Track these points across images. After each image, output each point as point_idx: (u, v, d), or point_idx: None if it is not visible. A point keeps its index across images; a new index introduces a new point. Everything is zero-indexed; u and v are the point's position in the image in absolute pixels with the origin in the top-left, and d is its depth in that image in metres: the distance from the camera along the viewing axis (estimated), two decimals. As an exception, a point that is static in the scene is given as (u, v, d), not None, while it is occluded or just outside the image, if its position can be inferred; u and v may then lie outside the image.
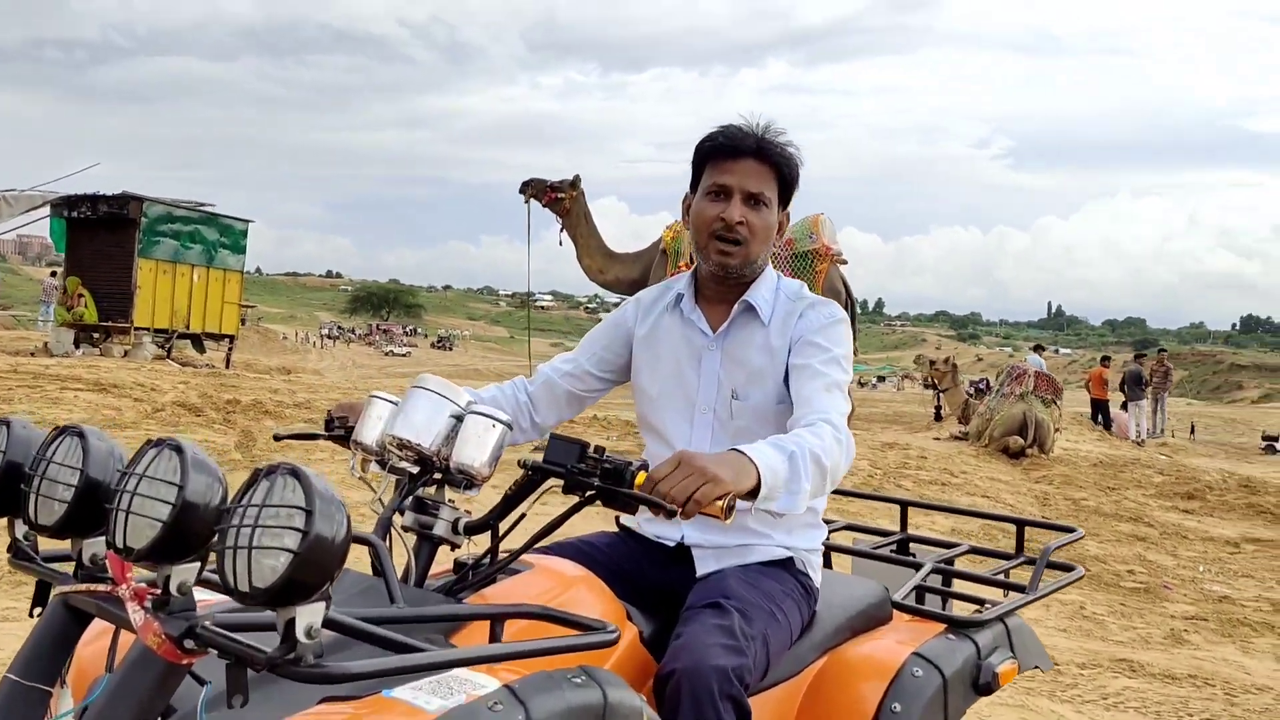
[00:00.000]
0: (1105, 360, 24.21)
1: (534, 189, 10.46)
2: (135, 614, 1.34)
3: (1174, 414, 29.77)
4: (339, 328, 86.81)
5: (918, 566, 2.45)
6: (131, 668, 1.30)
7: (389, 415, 1.79)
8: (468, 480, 1.69)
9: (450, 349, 77.94)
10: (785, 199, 2.19)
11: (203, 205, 21.30)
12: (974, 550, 2.75)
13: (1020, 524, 2.71)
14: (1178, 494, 13.18)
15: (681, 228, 10.22)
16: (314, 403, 12.45)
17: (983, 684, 2.09)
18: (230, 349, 21.45)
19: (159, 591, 1.35)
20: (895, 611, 2.30)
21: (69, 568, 1.62)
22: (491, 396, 2.25)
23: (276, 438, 2.13)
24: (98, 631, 1.57)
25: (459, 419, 1.71)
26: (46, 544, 1.65)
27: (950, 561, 2.55)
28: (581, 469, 1.62)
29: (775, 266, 8.20)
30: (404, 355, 65.08)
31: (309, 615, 1.19)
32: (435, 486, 1.74)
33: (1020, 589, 2.43)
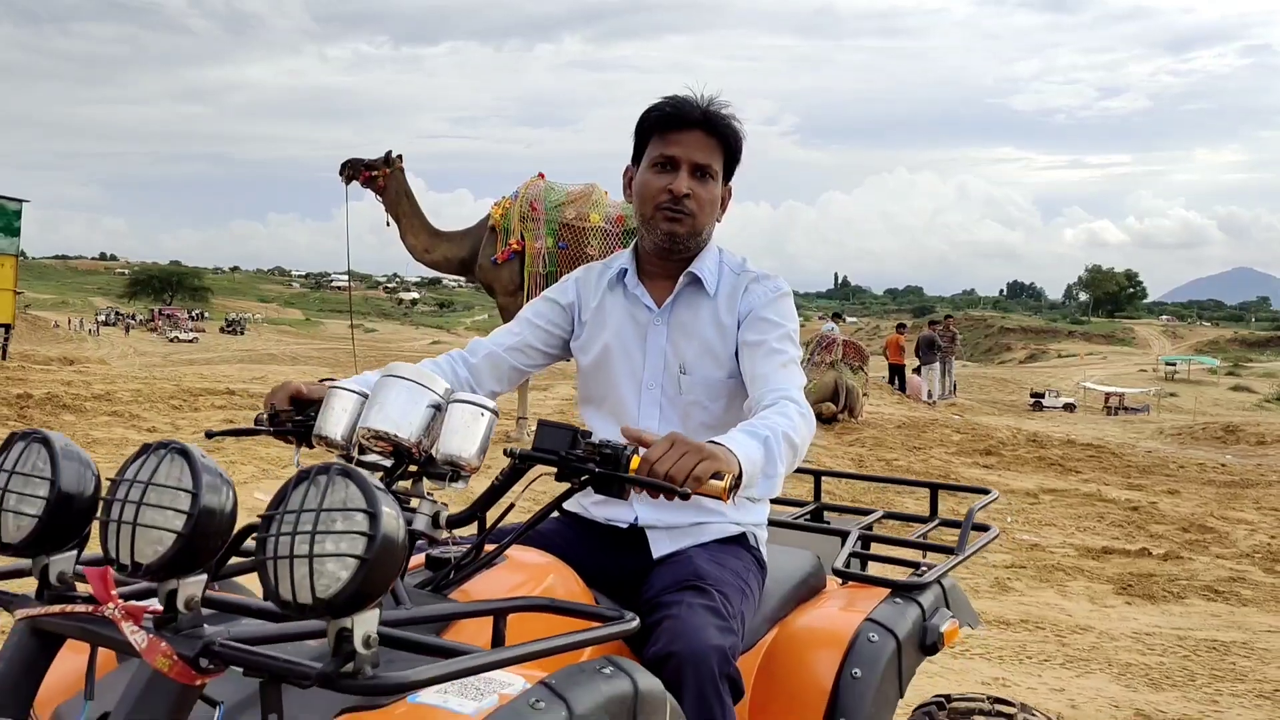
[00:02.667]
0: (900, 328, 25.49)
1: (350, 169, 10.15)
2: (135, 635, 1.22)
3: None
4: (117, 313, 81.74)
5: (841, 534, 2.51)
6: (141, 696, 1.19)
7: (355, 406, 1.69)
8: (454, 472, 1.61)
9: (241, 333, 74.68)
10: (729, 172, 2.17)
11: (-33, 184, 19.54)
12: (889, 515, 2.85)
13: (934, 487, 2.82)
14: (976, 450, 14.05)
15: (510, 205, 10.09)
16: (114, 394, 11.68)
17: (929, 644, 2.17)
18: (6, 339, 19.84)
19: (160, 609, 1.23)
20: (830, 579, 2.35)
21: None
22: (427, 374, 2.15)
23: (209, 435, 1.95)
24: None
25: (437, 408, 1.63)
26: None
27: (869, 527, 2.63)
28: (576, 455, 1.58)
29: (605, 243, 8.14)
30: (190, 341, 61.92)
31: (365, 624, 1.11)
32: (411, 480, 1.66)
33: (942, 550, 2.54)
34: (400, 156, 10.34)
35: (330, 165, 10.45)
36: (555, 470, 1.61)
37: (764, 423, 1.80)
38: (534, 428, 1.67)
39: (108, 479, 1.26)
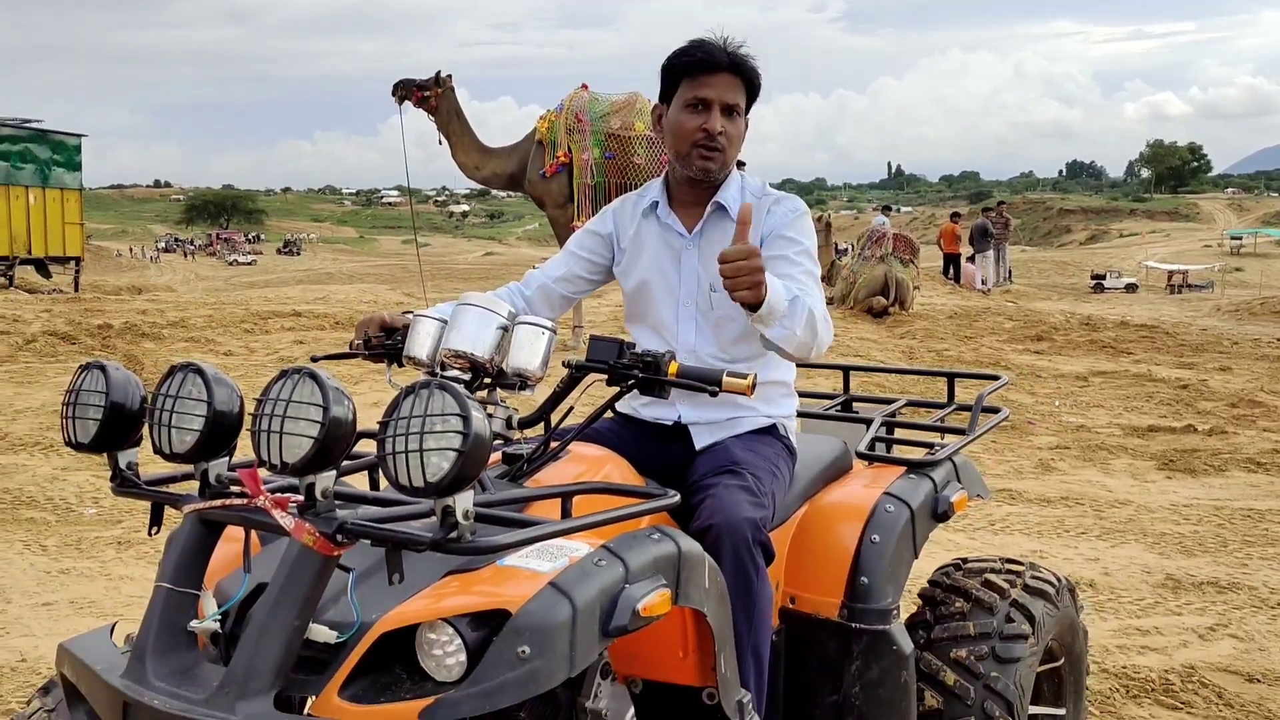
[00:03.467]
0: (955, 216, 25.30)
1: (403, 90, 10.46)
2: (284, 519, 1.57)
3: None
4: (176, 240, 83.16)
5: (867, 422, 2.81)
6: (293, 566, 1.53)
7: (437, 331, 2.02)
8: (522, 382, 1.94)
9: (297, 254, 75.67)
10: (750, 107, 2.42)
11: (29, 121, 20.11)
12: (911, 403, 3.14)
13: (950, 376, 3.10)
14: (1028, 337, 14.18)
15: (556, 118, 10.31)
16: (188, 321, 12.21)
17: (940, 513, 2.48)
18: (78, 272, 20.59)
19: (301, 498, 1.57)
20: (856, 461, 2.66)
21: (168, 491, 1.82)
22: (496, 301, 2.47)
23: (314, 360, 2.29)
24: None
25: (504, 329, 1.95)
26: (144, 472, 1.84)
27: (893, 415, 2.93)
28: (623, 364, 1.89)
29: (651, 151, 8.32)
30: (249, 264, 62.90)
31: (464, 501, 1.45)
32: (486, 390, 1.98)
33: (959, 432, 2.82)
34: (450, 76, 10.63)
35: (372, 79, 10.88)
36: (606, 377, 1.92)
37: (802, 290, 2.11)
38: (589, 336, 1.98)
39: (251, 399, 1.59)
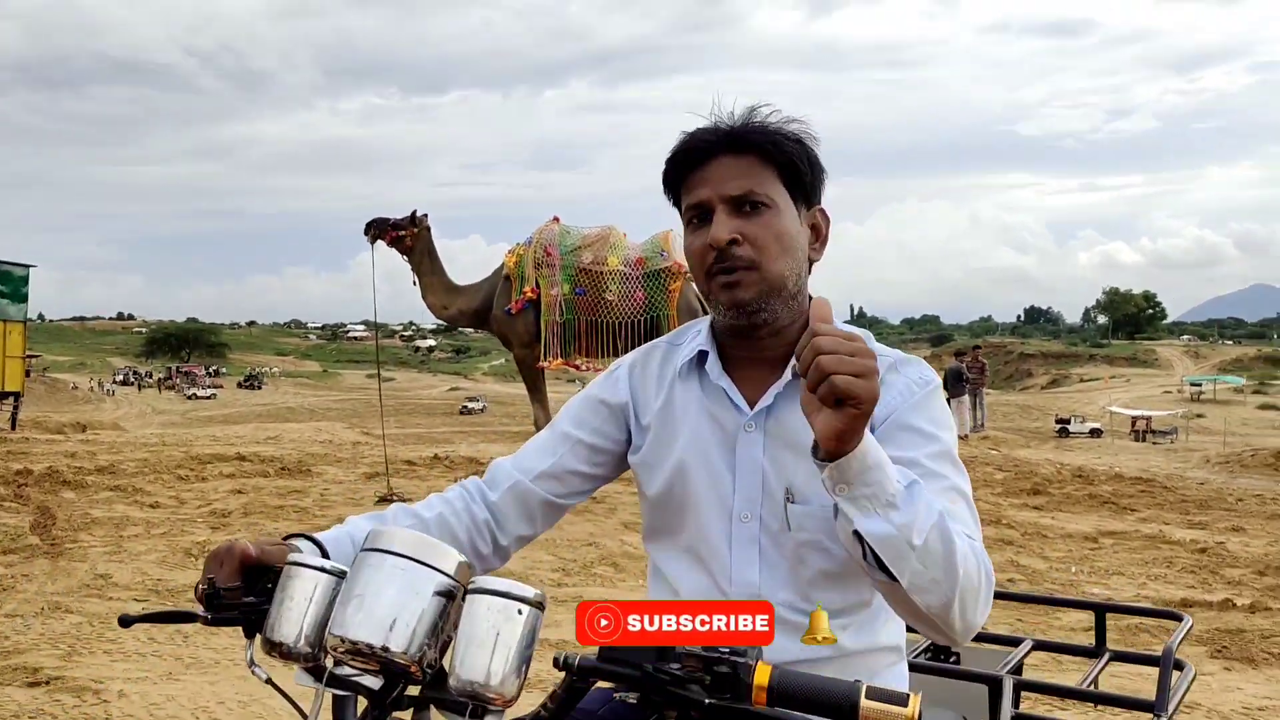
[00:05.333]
0: (927, 360, 24.85)
1: (376, 229, 9.91)
2: None
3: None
4: (135, 372, 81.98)
5: (989, 681, 1.91)
6: None
7: (324, 593, 1.10)
8: (478, 708, 1.02)
9: (259, 388, 74.76)
10: (804, 193, 1.56)
11: (-27, 251, 19.28)
12: (1039, 645, 2.26)
13: (1100, 610, 2.23)
14: (1023, 490, 13.35)
15: (524, 251, 9.62)
16: (119, 466, 11.16)
17: None
18: (15, 408, 19.42)
19: None
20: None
21: None
22: (437, 516, 1.56)
23: (123, 622, 1.31)
24: None
25: (449, 597, 1.05)
26: None
27: (1019, 667, 2.03)
28: (670, 672, 0.99)
29: (625, 287, 7.51)
30: (209, 398, 61.97)
31: None
32: (413, 710, 1.08)
33: (1119, 703, 1.94)
34: (425, 215, 10.07)
35: (345, 217, 10.30)
36: (635, 694, 1.02)
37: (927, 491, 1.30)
38: None
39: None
